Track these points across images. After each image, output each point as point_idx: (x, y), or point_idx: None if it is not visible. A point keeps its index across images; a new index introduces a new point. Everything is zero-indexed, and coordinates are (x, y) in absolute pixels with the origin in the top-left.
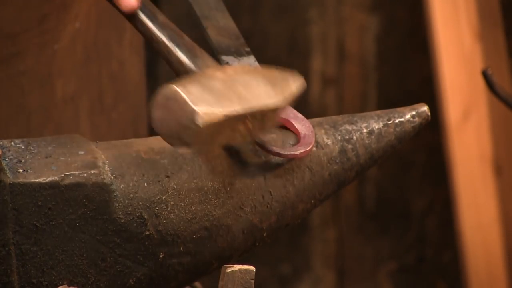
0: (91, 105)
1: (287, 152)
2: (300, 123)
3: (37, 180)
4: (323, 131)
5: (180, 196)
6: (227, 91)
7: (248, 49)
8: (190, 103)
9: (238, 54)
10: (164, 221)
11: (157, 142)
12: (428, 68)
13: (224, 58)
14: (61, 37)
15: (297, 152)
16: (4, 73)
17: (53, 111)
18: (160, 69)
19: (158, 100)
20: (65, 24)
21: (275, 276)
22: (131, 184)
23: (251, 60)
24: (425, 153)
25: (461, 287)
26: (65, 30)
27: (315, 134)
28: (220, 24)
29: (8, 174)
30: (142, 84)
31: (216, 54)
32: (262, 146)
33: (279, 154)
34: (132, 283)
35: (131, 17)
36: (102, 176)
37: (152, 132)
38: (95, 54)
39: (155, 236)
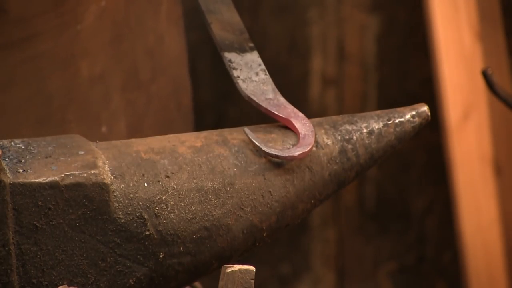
0: (125, 81)
1: (285, 154)
2: (301, 123)
3: (37, 180)
4: (323, 131)
5: (180, 196)
6: None
7: (251, 45)
8: None
9: (241, 50)
10: (164, 221)
11: (157, 142)
12: (428, 68)
13: (227, 55)
14: (84, 18)
15: (296, 154)
16: (18, 56)
17: (77, 91)
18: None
19: None
20: (88, 4)
21: (275, 276)
22: (131, 184)
23: (254, 56)
24: (425, 153)
25: (461, 287)
26: (88, 10)
27: (315, 134)
28: (224, 17)
29: (8, 174)
30: (183, 55)
31: (219, 51)
32: (260, 149)
33: (277, 156)
34: (132, 283)
35: None
36: (102, 176)
37: (195, 102)
38: (127, 31)
39: (155, 236)
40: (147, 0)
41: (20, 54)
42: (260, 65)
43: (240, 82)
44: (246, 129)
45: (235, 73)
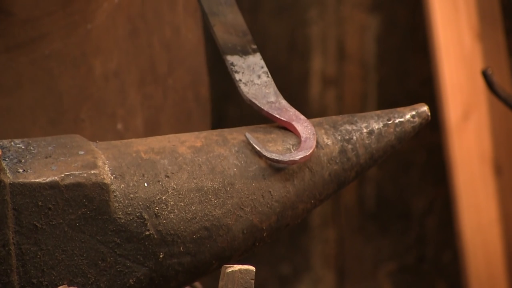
0: (141, 76)
1: (286, 158)
2: (302, 126)
3: (37, 180)
4: (323, 131)
5: (180, 196)
6: None
7: (254, 46)
8: None
9: (244, 52)
10: (164, 221)
11: (157, 142)
12: (428, 68)
13: (229, 58)
14: (95, 16)
15: (297, 158)
16: (26, 58)
17: (91, 90)
18: None
19: None
20: (100, 2)
21: (275, 276)
22: (131, 184)
23: (257, 58)
24: (425, 153)
25: (461, 287)
26: (99, 9)
27: (316, 136)
28: (227, 19)
29: (8, 174)
30: (200, 46)
31: (221, 54)
32: (262, 154)
33: (278, 161)
34: (132, 283)
35: None
36: (102, 176)
37: (212, 94)
38: (143, 25)
39: (155, 236)
40: None
41: (29, 55)
42: (262, 67)
43: (242, 86)
44: (247, 134)
45: (237, 76)
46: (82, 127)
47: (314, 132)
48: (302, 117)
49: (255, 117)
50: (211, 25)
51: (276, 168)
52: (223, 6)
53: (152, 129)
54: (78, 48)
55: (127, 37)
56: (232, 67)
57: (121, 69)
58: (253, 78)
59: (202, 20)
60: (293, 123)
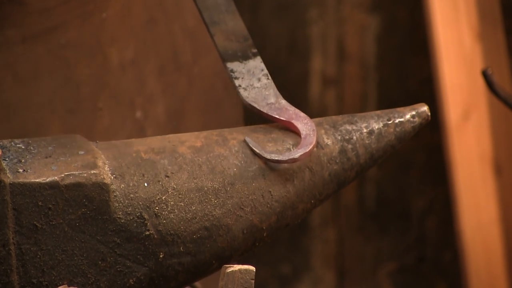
0: (161, 65)
1: (286, 158)
2: (302, 123)
3: (37, 180)
4: (323, 131)
5: (180, 196)
6: None
7: (255, 51)
8: None
9: (244, 57)
10: (164, 221)
11: (157, 142)
12: (428, 68)
13: (229, 65)
14: (109, 6)
15: (297, 156)
16: (42, 48)
17: (108, 79)
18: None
19: None
20: None
21: (275, 276)
22: (131, 184)
23: (257, 62)
24: (425, 153)
25: (461, 287)
26: None
27: (316, 133)
28: (228, 27)
29: (8, 174)
30: None
31: (222, 62)
32: (260, 156)
33: (278, 161)
34: (132, 283)
35: None
36: (102, 176)
37: None
38: (161, 14)
39: (155, 236)
40: None
41: (45, 45)
42: (262, 70)
43: (242, 91)
44: (246, 138)
45: (237, 82)
46: (100, 116)
47: (314, 128)
48: (302, 114)
49: (255, 117)
50: (211, 34)
51: (276, 168)
52: (224, 14)
53: (175, 117)
54: (94, 37)
55: (144, 26)
56: (232, 73)
57: (138, 57)
58: (253, 81)
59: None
60: (293, 121)
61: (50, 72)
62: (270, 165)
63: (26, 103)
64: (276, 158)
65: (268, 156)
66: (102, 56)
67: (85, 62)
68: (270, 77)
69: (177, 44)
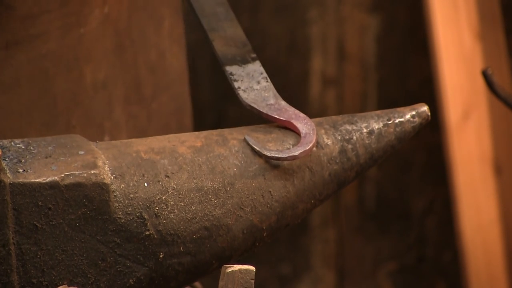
0: (127, 94)
1: (286, 155)
2: (302, 122)
3: (37, 180)
4: (323, 131)
5: (180, 196)
6: None
7: (254, 55)
8: None
9: (243, 62)
10: (164, 221)
11: (157, 142)
12: (428, 68)
13: (228, 68)
14: (87, 21)
15: (297, 153)
16: (25, 55)
17: (82, 96)
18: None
19: None
20: (92, 8)
21: (275, 276)
22: (131, 184)
23: (256, 66)
24: (425, 153)
25: (461, 287)
26: (91, 14)
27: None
28: (227, 33)
29: (8, 174)
30: (184, 74)
31: (221, 66)
32: (260, 153)
33: (278, 159)
34: (132, 283)
35: None
36: (102, 176)
37: (196, 123)
38: (129, 42)
39: (155, 236)
40: (149, 14)
41: (26, 53)
42: (261, 73)
43: (241, 93)
44: (246, 136)
45: (236, 84)
46: (74, 133)
47: (314, 128)
48: (302, 114)
49: (255, 117)
50: (210, 40)
51: (276, 168)
52: (223, 22)
53: None
54: (72, 52)
55: (114, 49)
56: (231, 76)
57: (108, 81)
58: (252, 84)
59: (185, 47)
60: (293, 121)
61: (29, 81)
62: (270, 165)
63: (6, 110)
64: (276, 155)
65: (268, 153)
66: (79, 72)
67: (62, 75)
68: (269, 80)
69: (140, 76)
